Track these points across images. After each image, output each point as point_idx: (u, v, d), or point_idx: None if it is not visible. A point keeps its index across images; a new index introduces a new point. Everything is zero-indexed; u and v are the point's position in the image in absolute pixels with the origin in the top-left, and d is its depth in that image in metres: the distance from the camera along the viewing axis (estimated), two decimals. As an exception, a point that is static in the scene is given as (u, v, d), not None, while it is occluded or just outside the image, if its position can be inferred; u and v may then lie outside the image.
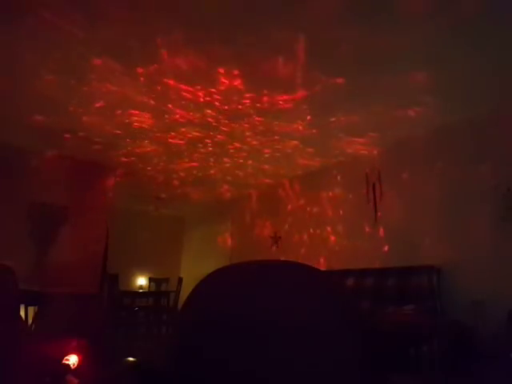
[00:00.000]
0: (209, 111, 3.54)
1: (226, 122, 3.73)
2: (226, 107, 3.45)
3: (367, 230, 4.11)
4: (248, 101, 3.33)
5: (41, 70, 2.95)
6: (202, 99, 3.32)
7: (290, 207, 5.33)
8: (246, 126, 3.80)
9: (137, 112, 3.61)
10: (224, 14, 2.29)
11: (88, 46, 2.62)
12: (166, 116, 3.67)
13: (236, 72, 2.90)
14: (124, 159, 4.89)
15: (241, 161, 4.79)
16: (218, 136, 4.08)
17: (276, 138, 4.06)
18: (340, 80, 2.93)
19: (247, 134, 3.99)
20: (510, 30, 2.33)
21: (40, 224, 4.45)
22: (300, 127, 3.77)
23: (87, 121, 3.82)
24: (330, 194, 4.71)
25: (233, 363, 0.32)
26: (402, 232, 3.74)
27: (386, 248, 3.89)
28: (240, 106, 3.43)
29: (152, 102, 3.40)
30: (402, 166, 3.91)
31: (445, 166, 3.52)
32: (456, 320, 2.81)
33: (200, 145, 4.34)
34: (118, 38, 2.54)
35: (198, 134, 4.05)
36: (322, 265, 4.49)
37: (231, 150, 4.46)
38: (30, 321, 2.66)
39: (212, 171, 5.24)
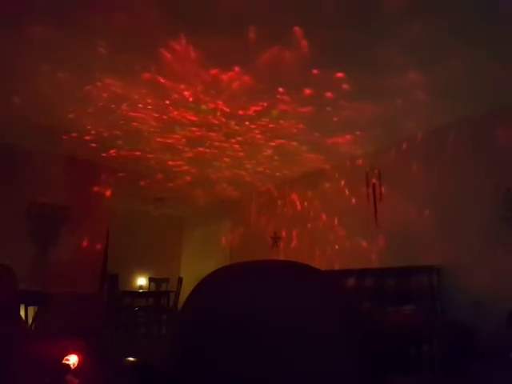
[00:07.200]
0: (209, 111, 3.54)
1: (227, 122, 3.73)
2: (227, 107, 3.45)
3: (367, 229, 4.10)
4: (248, 101, 3.33)
5: (41, 70, 2.95)
6: (202, 99, 3.32)
7: (289, 207, 5.33)
8: (247, 126, 3.80)
9: (137, 112, 3.61)
10: (224, 13, 2.29)
11: (89, 44, 2.62)
12: (167, 116, 3.67)
13: (236, 72, 2.90)
14: (124, 159, 4.89)
15: (241, 161, 4.80)
16: (219, 136, 4.08)
17: (276, 138, 4.06)
18: (340, 80, 2.94)
19: (247, 134, 3.99)
20: (509, 30, 2.33)
21: (40, 224, 4.45)
22: (300, 127, 3.77)
23: (87, 121, 3.82)
24: (330, 194, 4.71)
25: (233, 363, 0.32)
26: (402, 232, 3.74)
27: (385, 248, 3.89)
28: (240, 107, 3.43)
29: (152, 102, 3.40)
30: (402, 166, 3.91)
31: (444, 166, 3.52)
32: (456, 320, 2.80)
33: (200, 145, 4.34)
34: (119, 37, 2.54)
35: (198, 134, 4.05)
36: (321, 265, 4.49)
37: (231, 150, 4.46)
38: (30, 321, 2.66)
39: (212, 171, 5.24)
